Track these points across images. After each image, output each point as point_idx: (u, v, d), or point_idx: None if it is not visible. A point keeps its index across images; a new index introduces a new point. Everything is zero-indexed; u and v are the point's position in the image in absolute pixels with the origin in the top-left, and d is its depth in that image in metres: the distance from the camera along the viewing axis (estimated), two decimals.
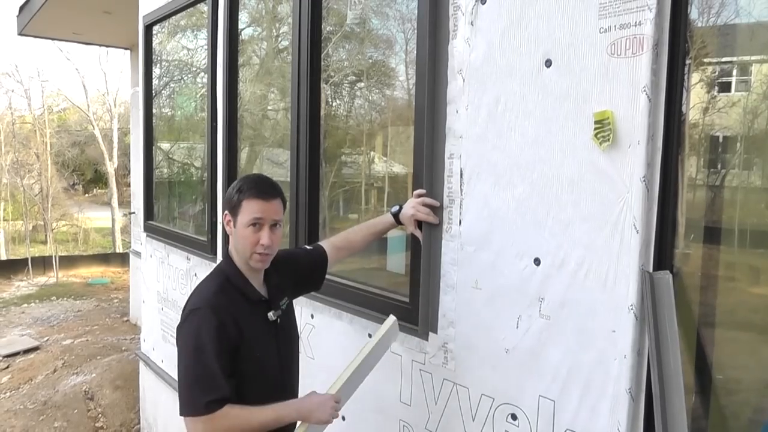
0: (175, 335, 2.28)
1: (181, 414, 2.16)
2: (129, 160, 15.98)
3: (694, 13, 1.83)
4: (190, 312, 2.21)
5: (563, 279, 2.04)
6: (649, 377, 1.82)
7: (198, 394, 2.11)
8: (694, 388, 1.98)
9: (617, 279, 1.88)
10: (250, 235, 2.25)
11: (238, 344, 2.20)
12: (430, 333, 2.56)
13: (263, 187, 2.29)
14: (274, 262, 2.39)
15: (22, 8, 10.92)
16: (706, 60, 1.98)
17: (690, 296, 1.98)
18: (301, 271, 2.59)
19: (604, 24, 1.89)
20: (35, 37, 12.76)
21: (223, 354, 2.14)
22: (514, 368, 2.22)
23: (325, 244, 2.74)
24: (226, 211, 2.32)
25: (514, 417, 2.23)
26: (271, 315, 2.35)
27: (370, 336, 2.86)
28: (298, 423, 2.26)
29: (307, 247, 2.78)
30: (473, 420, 2.38)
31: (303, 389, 2.53)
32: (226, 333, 2.17)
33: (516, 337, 2.20)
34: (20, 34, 11.78)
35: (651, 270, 1.83)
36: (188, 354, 2.17)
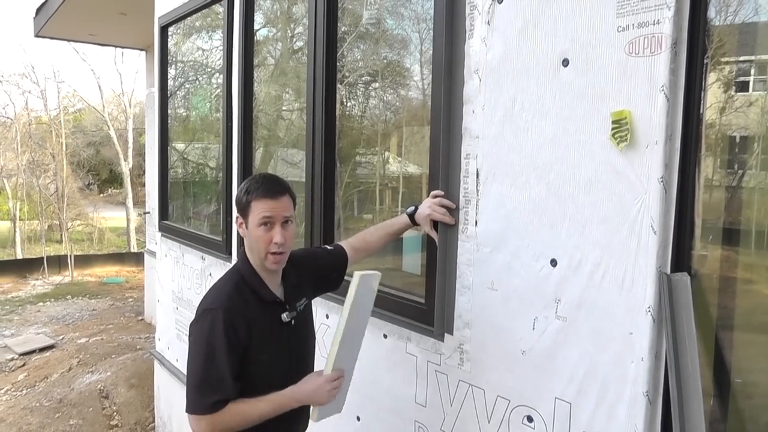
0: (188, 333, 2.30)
1: (186, 411, 2.20)
2: (144, 160, 16.07)
3: (711, 12, 1.81)
4: (203, 311, 2.22)
5: (580, 280, 2.03)
6: (667, 380, 1.81)
7: (205, 393, 2.15)
8: (712, 392, 1.96)
9: (634, 280, 1.87)
10: (263, 235, 2.25)
11: (248, 345, 2.22)
12: (446, 334, 2.56)
13: (269, 185, 2.29)
14: (294, 262, 2.39)
15: (38, 10, 11.00)
16: (723, 59, 1.96)
17: (708, 298, 1.96)
18: (321, 270, 2.59)
19: (622, 23, 1.87)
20: (52, 38, 12.83)
21: (232, 355, 2.17)
22: (530, 370, 2.21)
23: (344, 245, 2.73)
24: (238, 214, 2.33)
25: (530, 419, 2.22)
26: (284, 316, 2.35)
27: (385, 336, 2.85)
28: (311, 407, 2.31)
29: (328, 247, 2.78)
30: (489, 422, 2.37)
31: None
32: (237, 335, 2.19)
33: (532, 338, 2.19)
34: (37, 35, 11.86)
35: (669, 272, 1.81)
36: (199, 354, 2.19)
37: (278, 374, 2.32)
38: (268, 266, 2.31)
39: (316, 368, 2.60)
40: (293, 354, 2.40)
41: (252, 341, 2.22)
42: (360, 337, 2.43)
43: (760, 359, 2.02)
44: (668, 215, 1.81)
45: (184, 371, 5.05)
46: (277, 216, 2.25)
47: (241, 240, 4.22)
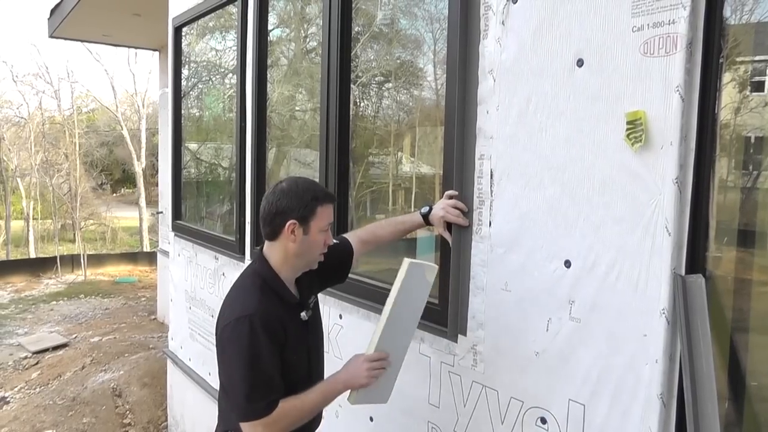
0: (217, 339, 2.28)
1: (240, 420, 2.19)
2: (157, 160, 16.14)
3: (726, 11, 1.80)
4: (238, 319, 2.19)
5: (594, 282, 2.02)
6: (681, 383, 1.80)
7: (256, 399, 2.15)
8: (727, 395, 1.95)
9: (649, 282, 1.86)
10: (323, 239, 2.32)
11: (284, 346, 2.23)
12: (459, 335, 2.55)
13: (327, 191, 2.40)
14: None
15: (53, 11, 11.07)
16: (738, 59, 1.95)
17: (723, 300, 1.95)
18: (328, 265, 2.59)
19: (637, 23, 1.86)
20: (66, 39, 12.90)
21: (276, 356, 2.19)
22: (543, 371, 2.20)
23: (351, 236, 2.74)
24: (293, 219, 2.26)
25: (543, 421, 2.21)
26: (303, 315, 2.37)
27: None
28: (348, 392, 2.31)
29: (333, 240, 2.78)
30: (502, 423, 2.37)
31: None
32: (276, 337, 2.20)
33: (546, 340, 2.19)
34: (51, 36, 11.93)
35: (683, 273, 1.80)
36: (243, 362, 2.17)
37: (300, 372, 2.33)
38: (313, 266, 2.40)
39: (328, 369, 2.61)
40: (311, 351, 2.43)
41: (287, 343, 2.24)
42: (411, 327, 2.43)
43: None
44: (683, 216, 1.80)
45: (197, 370, 5.07)
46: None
47: (256, 240, 4.25)
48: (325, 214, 2.29)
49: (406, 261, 2.35)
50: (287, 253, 2.31)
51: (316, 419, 2.48)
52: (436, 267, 2.43)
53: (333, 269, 2.65)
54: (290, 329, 2.27)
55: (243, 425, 2.18)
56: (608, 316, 1.98)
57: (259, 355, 2.15)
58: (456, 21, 2.51)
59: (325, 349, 2.64)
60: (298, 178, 2.41)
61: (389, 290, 2.97)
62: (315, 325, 2.51)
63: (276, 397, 2.16)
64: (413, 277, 2.35)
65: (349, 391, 2.31)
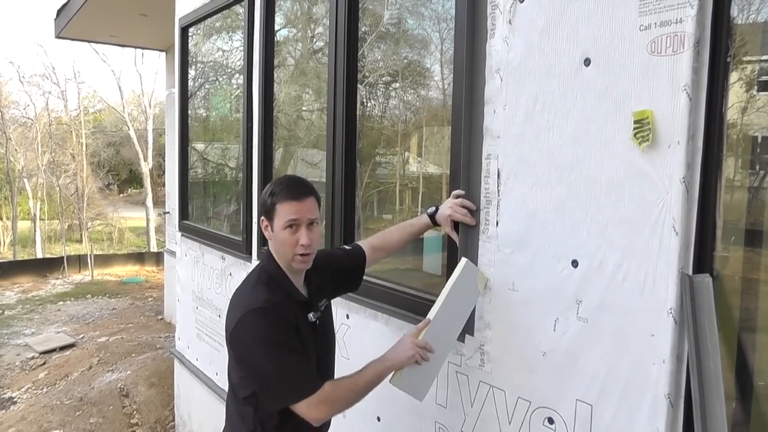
0: (228, 338, 2.27)
1: (292, 404, 2.17)
2: (164, 161, 16.16)
3: (734, 10, 1.79)
4: (246, 314, 2.18)
5: (601, 281, 2.02)
6: (689, 383, 1.79)
7: (303, 377, 2.17)
8: (734, 395, 1.94)
9: (656, 282, 1.86)
10: (289, 237, 2.25)
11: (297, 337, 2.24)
12: (467, 335, 2.55)
13: (294, 188, 2.29)
14: (314, 264, 2.39)
15: (59, 12, 11.09)
16: (745, 58, 1.95)
17: (730, 300, 1.94)
18: (340, 271, 2.59)
19: (645, 21, 1.86)
20: (72, 39, 12.92)
21: (297, 338, 2.21)
22: (551, 371, 2.20)
23: (363, 244, 2.74)
24: (263, 217, 2.32)
25: (550, 421, 2.21)
26: (311, 317, 2.36)
27: None
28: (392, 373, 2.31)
29: (346, 247, 2.78)
30: (509, 423, 2.37)
31: None
32: (291, 324, 2.21)
33: (553, 340, 2.18)
34: (58, 36, 11.95)
35: (690, 273, 1.80)
36: (267, 351, 2.17)
37: None
38: (295, 267, 2.32)
39: (336, 370, 2.61)
40: (318, 353, 2.41)
41: (299, 336, 2.24)
42: (455, 331, 2.44)
43: None
44: (690, 216, 1.80)
45: (205, 371, 5.07)
46: (303, 218, 2.26)
47: (263, 240, 4.25)
48: (283, 212, 2.25)
49: (464, 260, 2.40)
50: (273, 249, 2.35)
51: (327, 422, 2.48)
52: (488, 279, 2.45)
53: (346, 275, 2.65)
54: (299, 325, 2.27)
55: (297, 407, 2.16)
56: (616, 316, 1.97)
57: (280, 341, 2.16)
58: (463, 20, 2.51)
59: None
60: (285, 175, 2.42)
61: (397, 291, 2.99)
62: (324, 329, 2.49)
63: (317, 375, 2.19)
64: (466, 279, 2.39)
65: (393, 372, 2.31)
